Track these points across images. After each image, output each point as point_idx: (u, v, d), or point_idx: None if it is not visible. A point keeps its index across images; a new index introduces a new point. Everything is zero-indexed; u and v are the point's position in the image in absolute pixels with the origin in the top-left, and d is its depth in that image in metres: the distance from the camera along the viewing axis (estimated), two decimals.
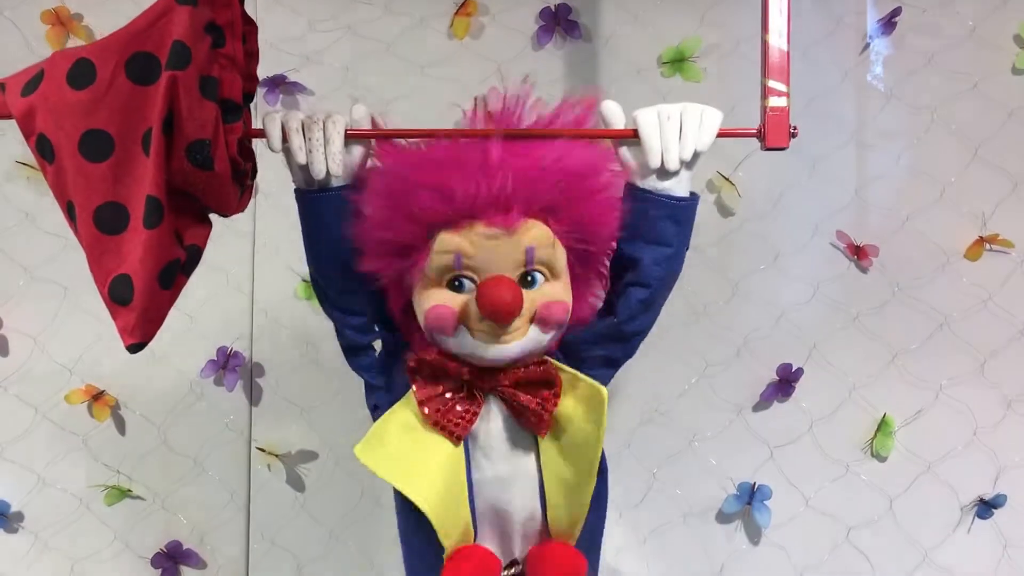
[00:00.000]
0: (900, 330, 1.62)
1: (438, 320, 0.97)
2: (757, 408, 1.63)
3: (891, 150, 1.65)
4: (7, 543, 1.63)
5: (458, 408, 1.00)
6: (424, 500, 0.97)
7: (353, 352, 1.07)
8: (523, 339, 0.98)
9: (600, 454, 0.98)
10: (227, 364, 1.62)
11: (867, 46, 1.66)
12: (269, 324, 1.64)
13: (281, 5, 1.65)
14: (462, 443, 1.01)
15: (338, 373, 1.60)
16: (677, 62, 1.64)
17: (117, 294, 0.91)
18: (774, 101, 1.01)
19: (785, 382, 1.61)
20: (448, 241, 0.96)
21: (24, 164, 1.60)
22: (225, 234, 1.61)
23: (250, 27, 1.01)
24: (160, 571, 1.62)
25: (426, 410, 1.00)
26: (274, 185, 1.63)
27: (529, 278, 0.98)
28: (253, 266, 1.65)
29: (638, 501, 1.62)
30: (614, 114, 1.01)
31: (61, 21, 1.62)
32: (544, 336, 0.99)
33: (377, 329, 1.07)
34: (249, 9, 1.02)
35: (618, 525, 1.61)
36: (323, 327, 1.61)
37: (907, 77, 1.65)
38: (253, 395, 1.64)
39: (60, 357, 1.63)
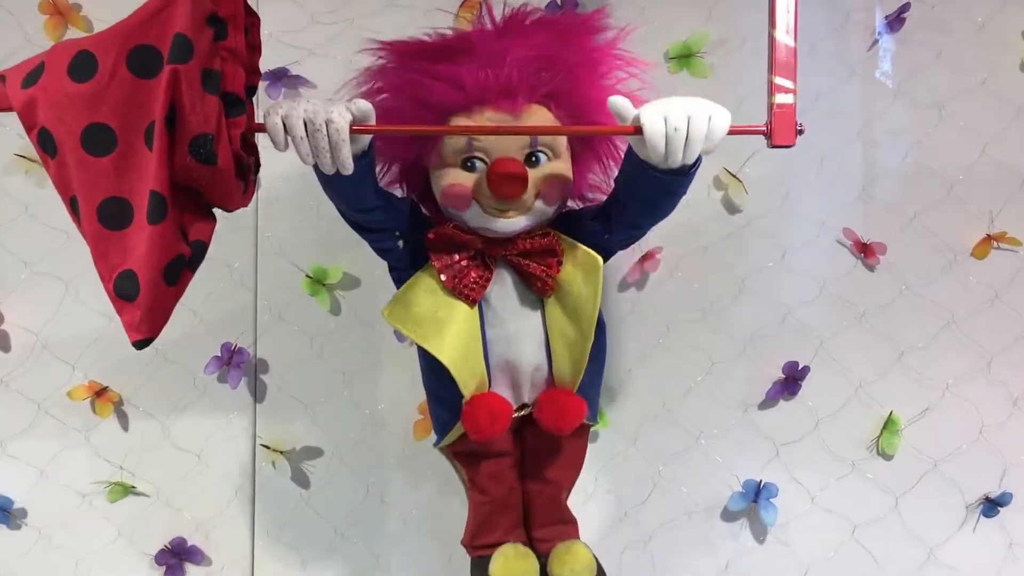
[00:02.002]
0: (907, 328, 1.62)
1: (454, 197, 1.10)
2: (763, 406, 1.63)
3: (898, 147, 1.64)
4: (10, 540, 1.62)
5: (472, 275, 1.13)
6: (447, 357, 1.11)
7: (380, 253, 1.20)
8: (528, 213, 1.11)
9: (597, 314, 1.12)
10: (231, 360, 1.61)
11: (875, 42, 1.65)
12: (273, 320, 1.63)
13: None
14: (477, 306, 1.14)
15: (343, 369, 1.62)
16: (684, 57, 1.62)
17: (123, 290, 0.92)
18: (780, 98, 1.00)
19: (791, 380, 1.61)
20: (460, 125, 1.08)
21: (23, 157, 1.59)
22: (227, 229, 1.61)
23: (252, 19, 1.00)
24: (164, 568, 1.62)
25: (443, 277, 1.12)
26: (277, 180, 1.62)
27: (533, 158, 1.10)
28: (256, 261, 1.64)
29: (643, 499, 1.61)
30: (624, 108, 1.00)
31: (59, 11, 1.60)
32: (548, 208, 1.12)
33: (399, 234, 1.16)
34: (251, 1, 1.01)
35: (623, 523, 1.61)
36: (328, 323, 1.63)
37: (915, 73, 1.64)
38: (257, 391, 1.64)
39: (62, 353, 1.62)
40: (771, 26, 1.00)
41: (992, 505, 1.59)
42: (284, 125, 0.95)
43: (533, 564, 1.22)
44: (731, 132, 0.99)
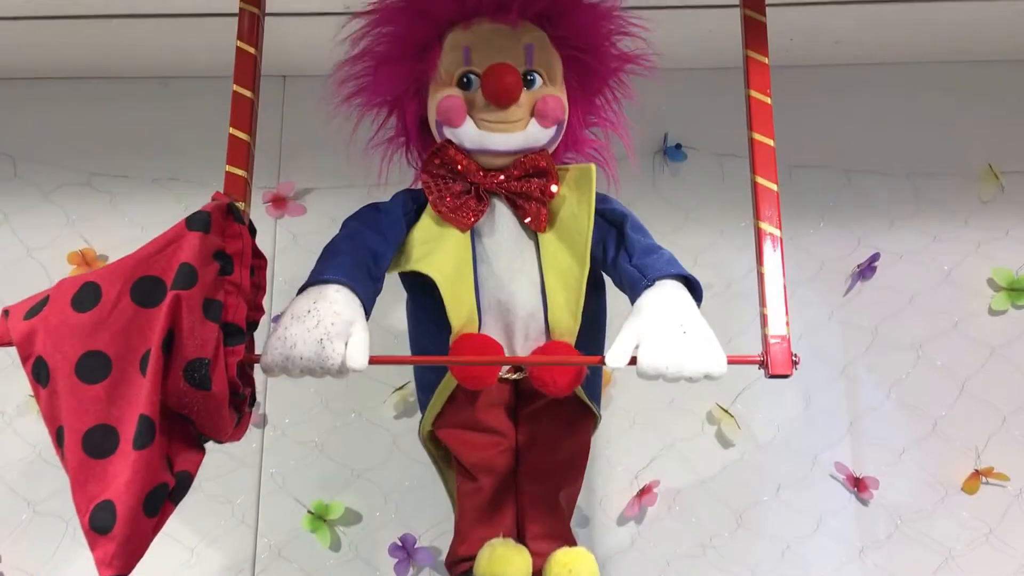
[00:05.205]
0: (906, 564, 1.62)
1: (448, 110, 1.07)
2: None
3: (881, 384, 1.72)
4: None
5: (466, 205, 1.08)
6: (437, 273, 1.05)
7: None
8: (524, 131, 1.08)
9: (591, 233, 1.05)
10: None
11: (849, 288, 1.76)
12: (272, 557, 1.62)
13: (298, 245, 1.75)
14: (469, 234, 1.08)
15: None
16: None
17: (98, 522, 0.86)
18: (774, 329, 1.00)
19: None
20: (458, 37, 1.08)
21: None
22: (232, 466, 1.65)
23: (260, 262, 1.02)
24: None
25: (439, 208, 1.08)
26: (282, 417, 1.67)
27: (529, 78, 1.08)
28: (259, 498, 1.66)
29: None
30: (621, 360, 0.98)
31: (87, 262, 1.69)
32: (543, 132, 1.09)
33: None
34: (267, 248, 1.08)
35: None
36: (328, 559, 1.63)
37: (890, 317, 1.74)
38: None
39: None
40: (759, 263, 1.03)
41: None
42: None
43: (525, 559, 1.06)
44: (728, 362, 0.98)
